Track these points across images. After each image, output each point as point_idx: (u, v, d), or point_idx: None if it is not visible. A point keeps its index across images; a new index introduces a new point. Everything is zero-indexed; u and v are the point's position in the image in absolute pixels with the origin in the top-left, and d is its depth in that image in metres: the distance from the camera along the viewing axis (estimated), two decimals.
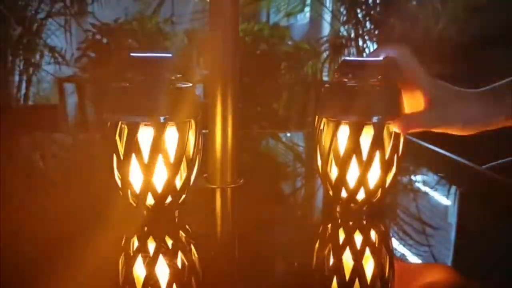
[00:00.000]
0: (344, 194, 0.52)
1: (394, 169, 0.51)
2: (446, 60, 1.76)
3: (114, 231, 0.48)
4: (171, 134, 0.49)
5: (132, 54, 0.49)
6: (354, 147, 0.49)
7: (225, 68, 0.60)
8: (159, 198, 0.49)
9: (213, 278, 0.41)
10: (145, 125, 0.47)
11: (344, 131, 0.50)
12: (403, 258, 0.46)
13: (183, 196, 0.52)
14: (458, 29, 2.00)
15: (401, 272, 0.43)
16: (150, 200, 0.49)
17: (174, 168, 0.48)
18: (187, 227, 0.52)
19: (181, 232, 0.50)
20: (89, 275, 0.40)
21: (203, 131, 0.54)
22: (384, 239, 0.51)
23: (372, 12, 2.48)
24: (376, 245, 0.48)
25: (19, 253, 0.45)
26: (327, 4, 2.87)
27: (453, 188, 0.73)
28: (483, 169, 0.78)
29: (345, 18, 2.56)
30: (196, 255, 0.45)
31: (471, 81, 0.59)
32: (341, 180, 0.51)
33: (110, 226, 0.49)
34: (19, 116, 2.07)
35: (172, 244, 0.47)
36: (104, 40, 2.50)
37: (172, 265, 0.42)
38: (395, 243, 0.50)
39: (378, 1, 2.48)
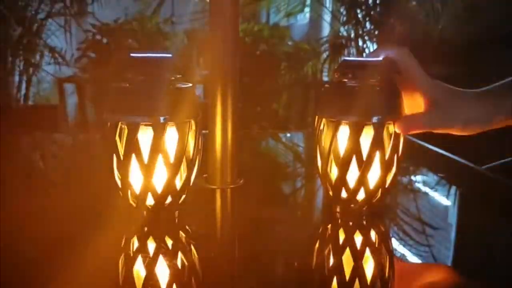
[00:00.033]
0: (344, 194, 0.52)
1: (394, 169, 0.51)
2: (446, 60, 1.76)
3: (114, 232, 0.48)
4: (171, 135, 0.49)
5: (132, 54, 0.49)
6: (354, 148, 0.49)
7: (225, 68, 0.60)
8: (159, 199, 0.49)
9: (213, 278, 0.41)
10: (145, 125, 0.47)
11: (344, 131, 0.50)
12: (403, 258, 0.46)
13: (183, 196, 0.52)
14: (458, 29, 2.00)
15: (401, 272, 0.43)
16: (150, 201, 0.49)
17: (174, 169, 0.48)
18: (187, 227, 0.52)
19: (181, 232, 0.50)
20: (89, 276, 0.40)
21: (203, 131, 0.54)
22: (384, 239, 0.51)
23: (372, 13, 2.48)
24: (376, 245, 0.48)
25: (19, 253, 0.45)
26: (327, 5, 2.86)
27: (453, 188, 0.73)
28: (483, 170, 0.78)
29: (345, 18, 2.56)
30: (196, 255, 0.45)
31: (471, 81, 0.59)
32: (341, 180, 0.51)
33: (110, 226, 0.49)
34: (19, 116, 2.06)
35: (172, 245, 0.47)
36: (104, 40, 2.50)
37: (172, 265, 0.42)
38: (395, 243, 0.50)
39: (378, 2, 2.48)
